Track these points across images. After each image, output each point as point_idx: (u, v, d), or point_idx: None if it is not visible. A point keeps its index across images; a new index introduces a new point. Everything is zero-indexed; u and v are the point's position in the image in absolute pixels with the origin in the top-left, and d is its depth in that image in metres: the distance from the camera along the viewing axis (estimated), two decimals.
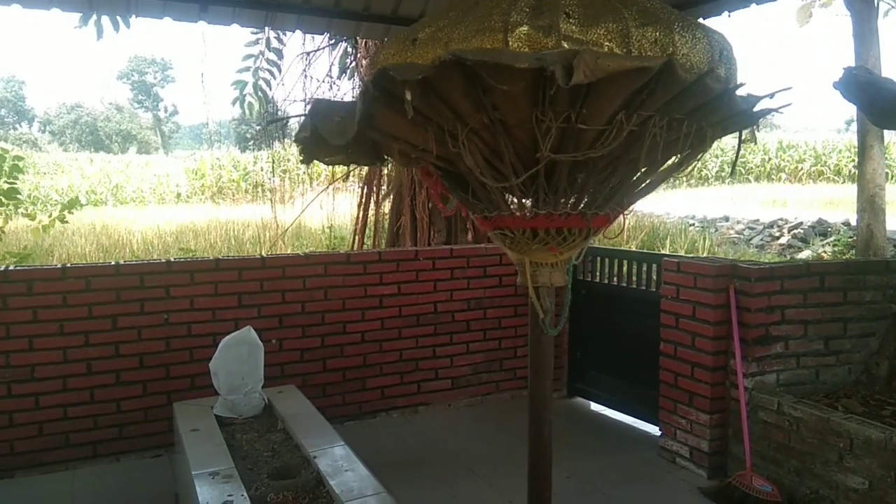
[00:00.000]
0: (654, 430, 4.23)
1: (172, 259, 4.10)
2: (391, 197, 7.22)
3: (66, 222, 6.33)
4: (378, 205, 7.22)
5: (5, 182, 6.25)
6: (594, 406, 4.99)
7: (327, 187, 9.17)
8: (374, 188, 7.34)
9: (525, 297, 5.01)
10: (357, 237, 7.17)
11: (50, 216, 6.10)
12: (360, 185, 7.57)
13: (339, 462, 2.79)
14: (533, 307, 0.98)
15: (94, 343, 3.88)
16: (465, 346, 4.95)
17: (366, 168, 7.42)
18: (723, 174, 27.37)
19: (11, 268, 3.79)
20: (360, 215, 7.25)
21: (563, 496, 3.48)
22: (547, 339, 0.95)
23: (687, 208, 16.72)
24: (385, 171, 7.30)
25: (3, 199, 6.33)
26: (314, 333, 4.44)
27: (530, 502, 1.02)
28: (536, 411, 1.01)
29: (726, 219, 15.07)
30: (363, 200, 7.23)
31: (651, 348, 4.09)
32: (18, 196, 6.22)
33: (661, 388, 3.99)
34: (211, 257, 4.17)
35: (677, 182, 27.28)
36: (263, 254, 4.35)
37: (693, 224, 14.48)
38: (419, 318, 4.76)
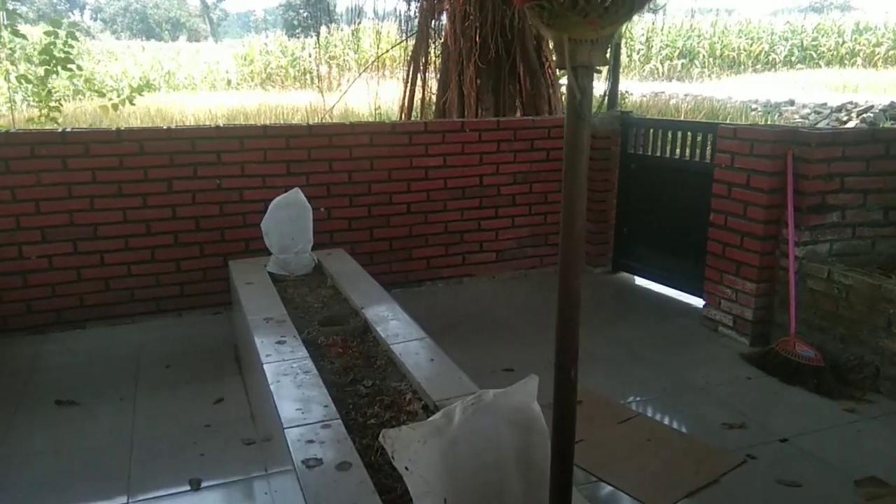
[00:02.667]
0: (698, 302, 4.24)
1: (221, 125, 4.14)
2: (438, 74, 7.05)
3: (134, 104, 6.44)
4: (425, 81, 7.07)
5: (61, 51, 6.27)
6: (639, 280, 4.99)
7: (375, 60, 8.98)
8: (421, 65, 7.16)
9: None
10: (403, 114, 7.08)
11: (119, 96, 6.18)
12: (407, 61, 7.38)
13: (384, 313, 2.89)
14: (570, 90, 0.95)
15: (151, 205, 4.02)
16: (511, 219, 4.96)
17: (412, 43, 7.20)
18: (791, 58, 25.70)
19: (69, 129, 3.89)
20: (407, 92, 7.11)
21: (605, 359, 3.58)
22: (582, 124, 0.93)
23: (750, 93, 15.87)
24: (432, 48, 7.08)
25: (60, 70, 6.37)
26: (361, 203, 4.50)
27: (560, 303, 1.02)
28: (570, 202, 1.00)
29: (791, 103, 14.30)
30: (409, 77, 7.07)
31: (700, 222, 4.02)
32: (72, 67, 6.27)
33: (708, 259, 3.95)
34: (259, 124, 4.20)
35: (742, 67, 25.80)
36: (310, 122, 4.35)
37: (756, 109, 13.80)
38: (464, 190, 4.76)
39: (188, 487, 2.48)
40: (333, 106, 8.79)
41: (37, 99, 6.31)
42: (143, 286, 4.10)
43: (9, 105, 8.56)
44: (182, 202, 4.08)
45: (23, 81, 6.40)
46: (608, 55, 0.95)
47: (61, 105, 6.44)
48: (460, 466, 1.23)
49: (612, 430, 2.89)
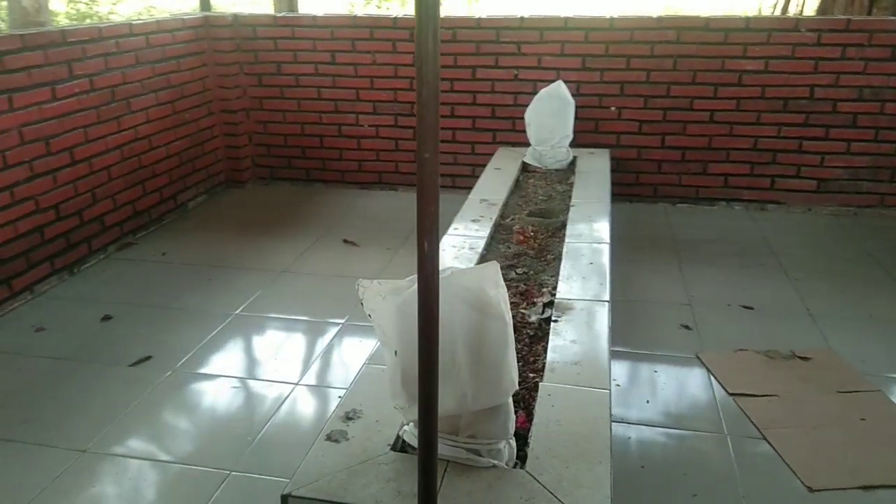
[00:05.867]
0: None
1: (525, 16, 4.28)
2: None
3: None
4: None
5: None
6: None
7: None
8: None
9: None
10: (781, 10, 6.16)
11: None
12: None
13: (589, 214, 2.85)
14: None
15: (456, 90, 4.47)
16: (846, 144, 4.11)
17: None
18: None
19: (399, 16, 4.48)
20: None
21: (885, 323, 2.92)
22: None
23: None
24: None
25: None
26: (656, 106, 4.24)
27: None
28: (420, 65, 0.94)
29: None
30: None
31: None
32: None
33: None
34: (560, 16, 4.21)
35: None
36: (613, 15, 4.18)
37: None
38: (786, 102, 4.09)
39: None
40: None
41: None
42: (443, 163, 4.65)
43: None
44: (482, 90, 4.43)
45: None
46: None
47: None
48: (411, 327, 1.32)
49: (824, 396, 2.43)
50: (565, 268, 2.33)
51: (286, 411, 2.38)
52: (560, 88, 3.59)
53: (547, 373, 1.71)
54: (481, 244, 2.54)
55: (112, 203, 3.73)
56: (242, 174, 4.83)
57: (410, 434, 1.44)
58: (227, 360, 2.71)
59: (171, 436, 2.26)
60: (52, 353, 2.73)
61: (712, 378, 2.55)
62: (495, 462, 1.38)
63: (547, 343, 1.86)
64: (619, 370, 2.61)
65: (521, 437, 1.50)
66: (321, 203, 4.53)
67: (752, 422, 2.29)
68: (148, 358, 2.70)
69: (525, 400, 1.66)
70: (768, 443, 2.18)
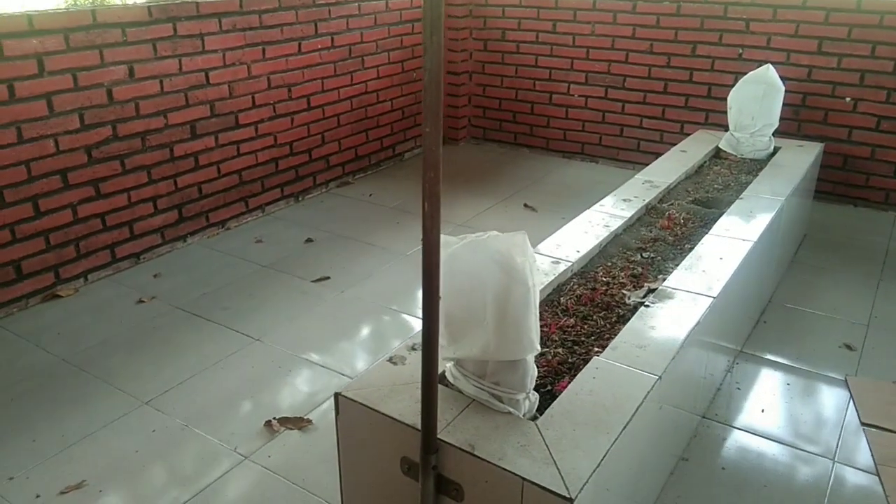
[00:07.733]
0: None
1: None
2: None
3: None
4: None
5: None
6: None
7: None
8: None
9: None
10: None
11: None
12: None
13: (751, 209, 2.69)
14: None
15: (673, 66, 4.32)
16: None
17: None
18: None
19: None
20: None
21: None
22: None
23: None
24: None
25: None
26: None
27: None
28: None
29: None
30: None
31: None
32: None
33: None
34: None
35: None
36: None
37: None
38: None
39: None
40: None
41: None
42: (648, 140, 4.56)
43: None
44: (701, 67, 4.24)
45: None
46: None
47: None
48: (453, 278, 1.51)
49: None
50: (691, 258, 2.28)
51: (416, 341, 2.70)
52: (769, 73, 3.32)
53: (608, 350, 1.78)
54: (618, 224, 2.56)
55: (338, 146, 4.35)
56: (458, 132, 5.22)
57: (449, 370, 1.65)
58: (386, 290, 3.12)
59: (323, 340, 2.73)
60: (260, 261, 3.38)
61: (851, 404, 2.33)
62: (511, 410, 1.54)
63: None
64: (746, 374, 2.50)
65: (555, 399, 1.63)
66: (521, 167, 4.75)
67: (872, 455, 2.08)
68: (327, 278, 3.22)
69: (578, 370, 1.75)
70: (879, 480, 1.98)
